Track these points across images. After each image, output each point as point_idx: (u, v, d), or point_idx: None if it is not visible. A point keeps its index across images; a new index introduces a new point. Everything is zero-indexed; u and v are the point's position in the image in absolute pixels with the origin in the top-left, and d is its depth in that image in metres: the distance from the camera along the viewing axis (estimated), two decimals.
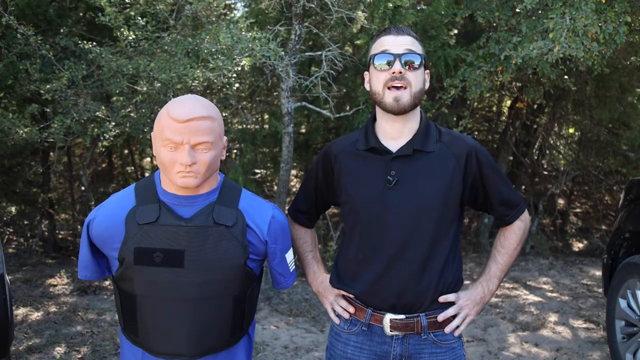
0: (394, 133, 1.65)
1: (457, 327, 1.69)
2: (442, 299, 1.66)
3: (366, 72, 1.70)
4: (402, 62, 1.59)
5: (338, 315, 1.77)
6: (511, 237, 1.75)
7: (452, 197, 1.63)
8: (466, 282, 1.81)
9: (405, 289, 1.62)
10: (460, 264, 1.72)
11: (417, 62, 1.61)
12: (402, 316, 1.64)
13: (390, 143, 1.66)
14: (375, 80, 1.63)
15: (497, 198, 1.70)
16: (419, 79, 1.62)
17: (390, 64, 1.60)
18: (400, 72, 1.59)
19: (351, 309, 1.72)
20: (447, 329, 1.67)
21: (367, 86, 1.70)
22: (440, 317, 1.66)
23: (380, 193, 1.62)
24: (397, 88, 1.59)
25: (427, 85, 1.69)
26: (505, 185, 1.71)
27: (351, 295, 1.72)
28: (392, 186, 1.61)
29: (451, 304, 1.68)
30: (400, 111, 1.60)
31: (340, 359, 1.72)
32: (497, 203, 1.71)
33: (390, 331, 1.65)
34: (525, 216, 1.75)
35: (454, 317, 1.69)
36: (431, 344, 1.66)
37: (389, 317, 1.65)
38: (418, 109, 1.68)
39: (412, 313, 1.65)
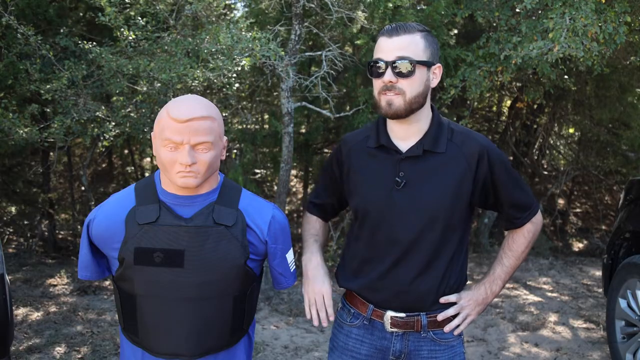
0: (402, 133, 1.63)
1: (457, 326, 1.68)
2: (443, 299, 1.65)
3: None
4: (393, 71, 1.54)
5: (337, 309, 1.76)
6: (519, 240, 1.72)
7: (460, 200, 1.61)
8: (468, 282, 1.81)
9: (407, 290, 1.63)
10: (465, 265, 1.72)
11: (408, 69, 1.53)
12: (402, 314, 1.65)
13: (400, 142, 1.63)
14: (373, 86, 1.61)
15: (508, 201, 1.66)
16: (414, 84, 1.55)
17: (382, 72, 1.55)
18: (391, 82, 1.54)
19: (332, 318, 1.64)
20: (447, 328, 1.67)
21: None
22: (440, 316, 1.66)
23: (388, 193, 1.61)
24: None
25: (435, 83, 1.61)
26: (517, 187, 1.66)
27: (355, 293, 1.71)
28: (401, 188, 1.60)
29: (452, 303, 1.68)
30: (392, 116, 1.56)
31: (342, 349, 1.74)
32: (508, 206, 1.67)
33: (391, 328, 1.66)
34: (537, 218, 1.72)
35: (454, 316, 1.68)
36: (430, 341, 1.67)
37: (389, 314, 1.65)
38: (427, 108, 1.63)
39: (412, 312, 1.65)
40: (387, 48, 1.55)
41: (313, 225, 1.85)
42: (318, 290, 1.65)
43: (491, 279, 1.73)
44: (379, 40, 1.58)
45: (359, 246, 1.69)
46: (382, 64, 1.55)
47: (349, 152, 1.71)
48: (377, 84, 1.57)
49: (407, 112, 1.56)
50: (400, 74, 1.53)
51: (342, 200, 1.82)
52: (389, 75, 1.53)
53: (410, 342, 1.67)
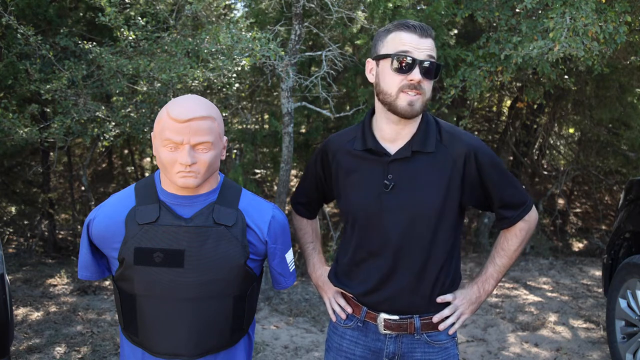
0: (392, 135, 1.61)
1: (452, 325, 1.68)
2: (439, 299, 1.65)
3: (370, 60, 1.61)
4: (422, 70, 1.51)
5: (335, 313, 1.78)
6: (512, 240, 1.69)
7: (450, 201, 1.59)
8: (464, 280, 1.81)
9: (400, 295, 1.62)
10: (458, 264, 1.71)
11: (436, 71, 1.54)
12: (395, 317, 1.65)
13: (388, 144, 1.61)
14: (390, 81, 1.54)
15: (499, 199, 1.64)
16: (431, 87, 1.56)
17: (409, 69, 1.51)
18: (419, 82, 1.51)
19: (349, 309, 1.73)
20: (442, 327, 1.66)
21: (369, 77, 1.62)
22: (436, 318, 1.65)
23: (377, 197, 1.59)
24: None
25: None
26: (509, 186, 1.64)
27: (350, 295, 1.73)
28: (389, 190, 1.58)
29: (447, 303, 1.67)
30: (412, 116, 1.55)
31: (336, 351, 1.74)
32: (500, 205, 1.65)
33: (384, 330, 1.66)
34: (531, 215, 1.68)
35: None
36: (424, 343, 1.67)
37: (382, 316, 1.65)
38: None
39: (406, 314, 1.65)
40: (418, 46, 1.52)
41: (305, 230, 1.90)
42: (334, 291, 1.79)
43: (484, 278, 1.72)
44: (404, 35, 1.53)
45: (351, 249, 1.69)
46: (411, 60, 1.51)
47: (335, 154, 1.69)
48: (398, 79, 1.52)
49: (420, 113, 1.57)
50: (427, 75, 1.52)
51: (328, 195, 1.83)
52: (417, 74, 1.51)
53: (404, 344, 1.67)
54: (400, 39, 1.53)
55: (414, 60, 1.51)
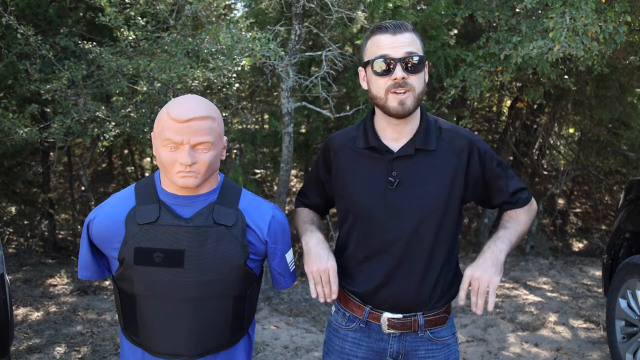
0: (395, 134, 1.61)
1: (486, 302, 1.51)
2: (461, 296, 1.51)
3: (361, 68, 1.63)
4: (404, 67, 1.52)
5: (331, 313, 1.75)
6: (519, 210, 1.67)
7: (454, 196, 1.60)
8: None
9: (405, 292, 1.62)
10: (458, 262, 1.72)
11: (419, 64, 1.53)
12: (399, 315, 1.64)
13: (390, 143, 1.62)
14: (376, 85, 1.56)
15: (505, 190, 1.66)
16: (420, 80, 1.56)
17: (390, 69, 1.52)
18: (403, 78, 1.52)
19: (329, 299, 1.58)
20: (479, 311, 1.50)
21: (363, 84, 1.64)
22: (461, 301, 1.52)
23: (381, 194, 1.60)
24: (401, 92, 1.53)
25: (427, 79, 1.62)
26: (510, 176, 1.67)
27: (351, 295, 1.71)
28: (394, 187, 1.58)
29: (455, 293, 1.67)
30: (404, 114, 1.55)
31: (338, 354, 1.72)
32: (507, 194, 1.66)
33: (388, 329, 1.65)
34: (533, 205, 1.71)
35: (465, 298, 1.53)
36: (427, 341, 1.67)
37: (386, 315, 1.65)
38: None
39: (410, 313, 1.65)
40: (393, 45, 1.52)
41: (306, 214, 1.80)
42: (324, 267, 1.56)
43: (494, 239, 1.60)
44: (379, 38, 1.55)
45: (352, 247, 1.68)
46: (389, 61, 1.52)
47: (337, 152, 1.69)
48: (383, 82, 1.54)
49: (415, 109, 1.57)
50: (411, 70, 1.52)
51: (329, 201, 1.82)
52: (400, 72, 1.51)
53: (408, 343, 1.67)
54: (377, 42, 1.55)
55: (392, 59, 1.52)
